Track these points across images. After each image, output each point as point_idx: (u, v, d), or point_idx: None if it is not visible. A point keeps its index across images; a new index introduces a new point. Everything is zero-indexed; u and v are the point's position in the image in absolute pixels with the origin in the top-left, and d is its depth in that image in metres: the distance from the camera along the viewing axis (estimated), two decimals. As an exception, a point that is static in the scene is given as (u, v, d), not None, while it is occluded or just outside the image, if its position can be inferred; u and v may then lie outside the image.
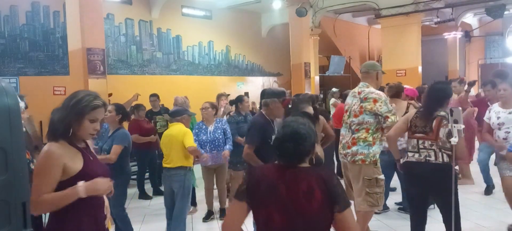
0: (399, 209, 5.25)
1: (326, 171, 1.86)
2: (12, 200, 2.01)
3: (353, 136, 3.82)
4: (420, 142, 3.42)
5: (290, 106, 3.10)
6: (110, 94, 7.52)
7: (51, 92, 8.37)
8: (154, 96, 7.37)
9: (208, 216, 5.26)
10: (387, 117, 3.70)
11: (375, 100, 3.73)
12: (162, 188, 6.52)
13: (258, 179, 1.85)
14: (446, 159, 3.31)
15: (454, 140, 3.25)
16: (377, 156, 3.83)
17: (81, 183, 2.02)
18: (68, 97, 2.15)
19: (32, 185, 2.00)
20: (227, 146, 5.08)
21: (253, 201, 1.83)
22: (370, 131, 3.78)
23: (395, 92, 4.92)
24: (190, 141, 4.26)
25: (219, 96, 6.90)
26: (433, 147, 3.34)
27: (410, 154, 3.49)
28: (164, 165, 4.39)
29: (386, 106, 3.73)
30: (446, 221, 3.38)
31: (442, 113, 3.37)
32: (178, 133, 4.29)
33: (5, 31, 8.43)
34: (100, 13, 7.28)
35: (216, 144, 5.03)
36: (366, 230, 4.07)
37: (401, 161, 3.63)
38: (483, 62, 18.22)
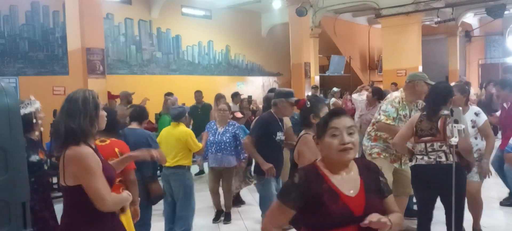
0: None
1: None
2: (12, 200, 2.01)
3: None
4: (428, 144, 3.37)
5: (308, 105, 3.12)
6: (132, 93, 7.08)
7: (51, 92, 8.37)
8: (169, 95, 7.20)
9: (218, 217, 5.16)
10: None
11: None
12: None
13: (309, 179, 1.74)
14: (456, 159, 3.27)
15: (454, 140, 3.26)
16: (376, 150, 4.09)
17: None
18: (72, 102, 2.13)
19: (92, 188, 2.02)
20: (242, 156, 5.00)
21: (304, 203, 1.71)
22: (375, 126, 4.10)
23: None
24: (196, 144, 4.37)
25: (218, 98, 6.79)
26: (443, 148, 3.32)
27: (418, 157, 3.45)
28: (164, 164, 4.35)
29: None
30: (450, 222, 3.35)
31: (446, 112, 3.32)
32: (181, 134, 4.31)
33: (4, 31, 8.42)
34: (99, 13, 7.29)
35: (222, 146, 4.94)
36: None
37: (409, 164, 3.65)
38: (483, 62, 18.22)
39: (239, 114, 5.83)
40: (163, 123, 5.63)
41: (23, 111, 2.82)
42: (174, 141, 4.30)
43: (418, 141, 3.44)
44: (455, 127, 3.26)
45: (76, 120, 2.06)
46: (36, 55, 8.83)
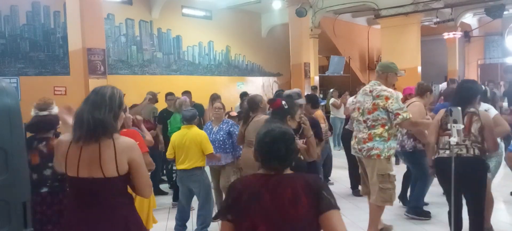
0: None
1: (311, 175, 1.86)
2: (12, 200, 2.03)
3: (370, 132, 4.01)
4: None
5: (285, 107, 3.05)
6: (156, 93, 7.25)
7: (52, 92, 8.37)
8: (171, 95, 7.14)
9: (217, 217, 5.19)
10: (398, 114, 3.87)
11: (387, 98, 3.94)
12: (162, 188, 6.54)
13: (240, 190, 1.81)
14: (477, 152, 3.37)
15: (453, 140, 3.29)
16: (392, 151, 4.02)
17: None
18: (99, 95, 2.12)
19: (145, 176, 2.17)
20: (237, 153, 4.89)
21: (235, 215, 1.78)
22: (386, 127, 3.97)
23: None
24: (209, 147, 4.44)
25: (214, 98, 6.74)
26: (466, 142, 3.38)
27: (441, 151, 3.56)
28: (180, 167, 4.45)
29: (398, 104, 3.91)
30: (472, 213, 3.47)
31: (472, 109, 3.43)
32: (196, 136, 4.40)
33: (5, 31, 8.44)
34: (100, 13, 7.29)
35: (216, 145, 4.94)
36: (378, 222, 4.19)
37: (432, 157, 3.71)
38: (483, 62, 18.22)
39: (233, 113, 5.88)
40: (176, 121, 5.73)
41: (50, 111, 3.06)
42: (189, 143, 4.37)
43: (443, 134, 3.54)
44: (454, 126, 3.30)
45: (101, 111, 2.07)
46: (37, 56, 8.85)
